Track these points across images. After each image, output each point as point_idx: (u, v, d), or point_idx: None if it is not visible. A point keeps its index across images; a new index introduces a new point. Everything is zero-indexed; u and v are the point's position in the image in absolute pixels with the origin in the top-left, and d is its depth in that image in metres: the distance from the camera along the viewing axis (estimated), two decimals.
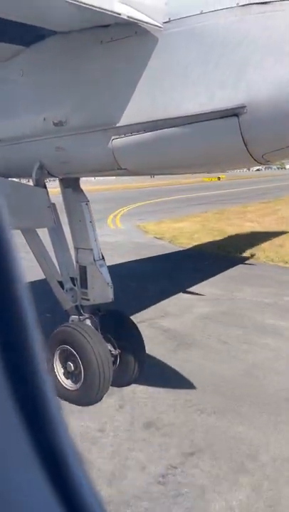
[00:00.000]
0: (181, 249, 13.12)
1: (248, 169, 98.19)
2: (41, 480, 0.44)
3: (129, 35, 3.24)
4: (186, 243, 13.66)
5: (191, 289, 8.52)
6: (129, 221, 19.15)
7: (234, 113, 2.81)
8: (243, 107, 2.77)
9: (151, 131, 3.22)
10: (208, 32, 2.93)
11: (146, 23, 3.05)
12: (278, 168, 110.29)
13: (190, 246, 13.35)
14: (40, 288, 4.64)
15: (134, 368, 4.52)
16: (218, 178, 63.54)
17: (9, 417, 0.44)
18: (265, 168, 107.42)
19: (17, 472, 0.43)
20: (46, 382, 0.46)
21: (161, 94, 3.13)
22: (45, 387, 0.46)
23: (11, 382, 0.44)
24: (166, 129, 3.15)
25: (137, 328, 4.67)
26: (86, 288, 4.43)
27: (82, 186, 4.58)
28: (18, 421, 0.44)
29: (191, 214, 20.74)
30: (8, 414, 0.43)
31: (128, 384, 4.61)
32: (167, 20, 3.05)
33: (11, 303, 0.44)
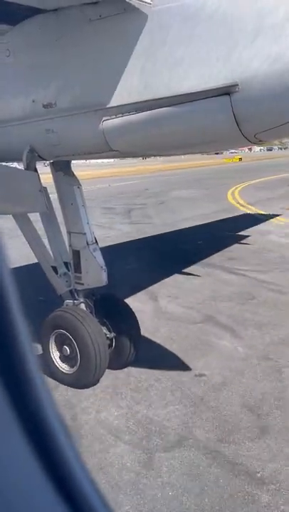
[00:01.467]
0: None
1: (250, 150, 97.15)
2: (35, 466, 0.45)
3: (118, 13, 3.15)
4: None
5: None
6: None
7: (226, 91, 2.75)
8: (235, 85, 2.71)
9: (142, 111, 3.15)
10: (198, 7, 2.84)
11: None
12: (280, 148, 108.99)
13: None
14: (34, 272, 4.60)
15: (130, 350, 4.54)
16: (240, 159, 63.22)
17: None
18: (267, 149, 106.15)
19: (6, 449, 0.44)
20: (33, 365, 0.47)
21: (152, 73, 3.05)
22: (32, 368, 0.47)
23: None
24: (157, 109, 3.08)
25: (131, 310, 4.67)
26: (80, 272, 4.41)
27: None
28: (6, 401, 0.45)
29: None
30: None
31: (124, 366, 4.63)
32: None
33: None
